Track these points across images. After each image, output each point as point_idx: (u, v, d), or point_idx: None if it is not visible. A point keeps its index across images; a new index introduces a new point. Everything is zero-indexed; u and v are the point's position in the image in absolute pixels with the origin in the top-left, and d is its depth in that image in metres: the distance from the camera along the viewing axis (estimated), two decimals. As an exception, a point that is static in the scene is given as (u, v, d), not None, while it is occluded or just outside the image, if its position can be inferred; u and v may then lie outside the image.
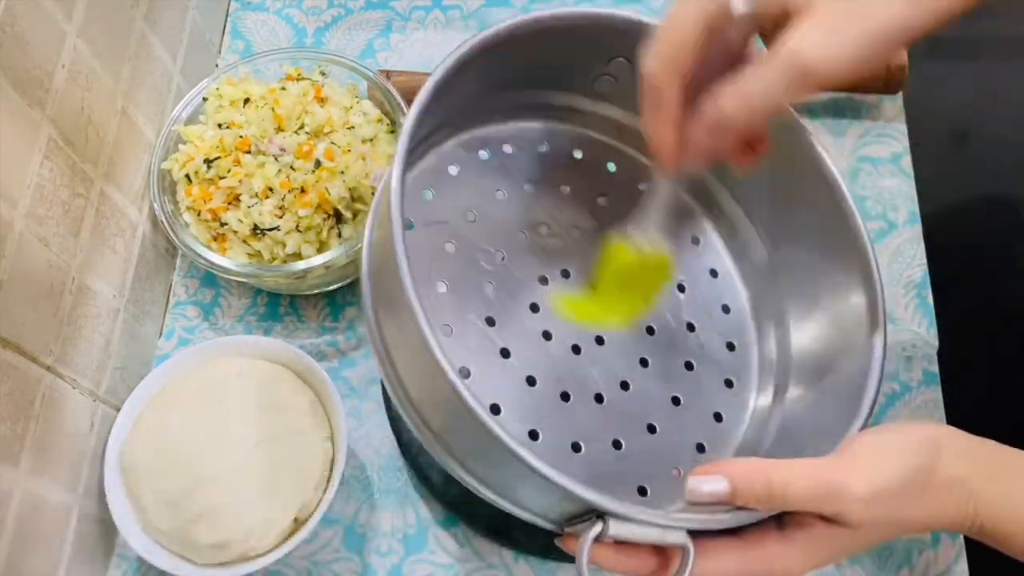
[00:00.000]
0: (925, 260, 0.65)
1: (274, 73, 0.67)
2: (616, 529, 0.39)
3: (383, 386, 0.60)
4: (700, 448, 0.51)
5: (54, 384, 0.53)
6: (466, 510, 0.58)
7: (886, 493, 0.40)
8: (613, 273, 0.49)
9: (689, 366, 0.53)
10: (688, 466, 0.50)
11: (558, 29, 0.49)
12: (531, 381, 0.49)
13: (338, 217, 0.61)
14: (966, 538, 0.58)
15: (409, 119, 0.43)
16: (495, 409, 0.48)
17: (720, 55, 0.42)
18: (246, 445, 0.55)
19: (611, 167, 0.56)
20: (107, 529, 0.58)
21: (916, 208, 0.67)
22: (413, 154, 0.52)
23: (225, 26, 0.77)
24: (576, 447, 0.49)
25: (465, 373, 0.49)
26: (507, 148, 0.55)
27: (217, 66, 0.75)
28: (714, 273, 0.56)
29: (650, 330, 0.53)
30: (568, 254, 0.53)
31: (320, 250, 0.61)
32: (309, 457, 0.56)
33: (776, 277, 0.55)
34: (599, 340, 0.52)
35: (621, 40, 0.50)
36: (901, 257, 0.66)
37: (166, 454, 0.55)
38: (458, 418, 0.39)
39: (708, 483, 0.40)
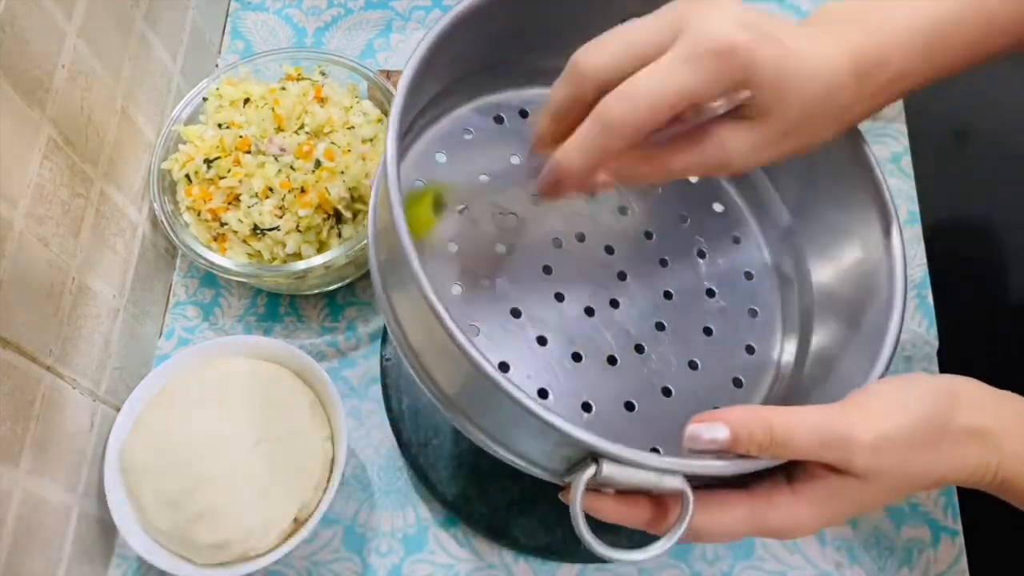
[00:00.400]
0: (925, 260, 0.65)
1: (274, 73, 0.67)
2: (609, 470, 0.38)
3: (383, 385, 0.61)
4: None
5: (54, 384, 0.53)
6: (466, 510, 0.58)
7: (895, 441, 0.39)
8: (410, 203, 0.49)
9: (708, 331, 0.52)
10: None
11: None
12: (542, 341, 0.49)
13: (338, 217, 0.61)
14: (966, 538, 0.58)
15: (407, 71, 0.43)
16: (503, 367, 0.48)
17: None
18: (246, 445, 0.55)
19: None
20: (107, 529, 0.58)
21: (916, 208, 0.67)
22: (423, 118, 0.51)
23: (225, 26, 0.77)
24: (587, 407, 0.48)
25: (474, 331, 0.48)
26: (529, 110, 0.54)
27: (217, 66, 0.75)
28: (736, 240, 0.56)
29: (667, 294, 0.53)
30: (584, 216, 0.53)
31: (320, 250, 0.61)
32: (309, 457, 0.56)
33: (799, 238, 0.54)
34: (614, 303, 0.51)
35: None
36: (901, 257, 0.66)
37: (166, 454, 0.55)
38: (455, 361, 0.39)
39: (708, 430, 0.40)
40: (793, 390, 0.52)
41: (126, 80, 0.61)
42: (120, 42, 0.60)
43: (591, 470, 0.39)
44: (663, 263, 0.54)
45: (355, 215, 0.61)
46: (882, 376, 0.44)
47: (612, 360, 0.50)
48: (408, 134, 0.50)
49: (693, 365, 0.51)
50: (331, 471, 0.57)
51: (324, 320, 0.66)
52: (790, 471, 0.41)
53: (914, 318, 0.64)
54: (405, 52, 0.75)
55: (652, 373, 0.51)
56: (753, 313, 0.54)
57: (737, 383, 0.52)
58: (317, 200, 0.60)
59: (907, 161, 0.69)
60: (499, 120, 0.54)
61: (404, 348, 0.45)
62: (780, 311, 0.55)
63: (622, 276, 0.52)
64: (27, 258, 0.50)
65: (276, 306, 0.67)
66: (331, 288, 0.65)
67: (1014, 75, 0.73)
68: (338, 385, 0.58)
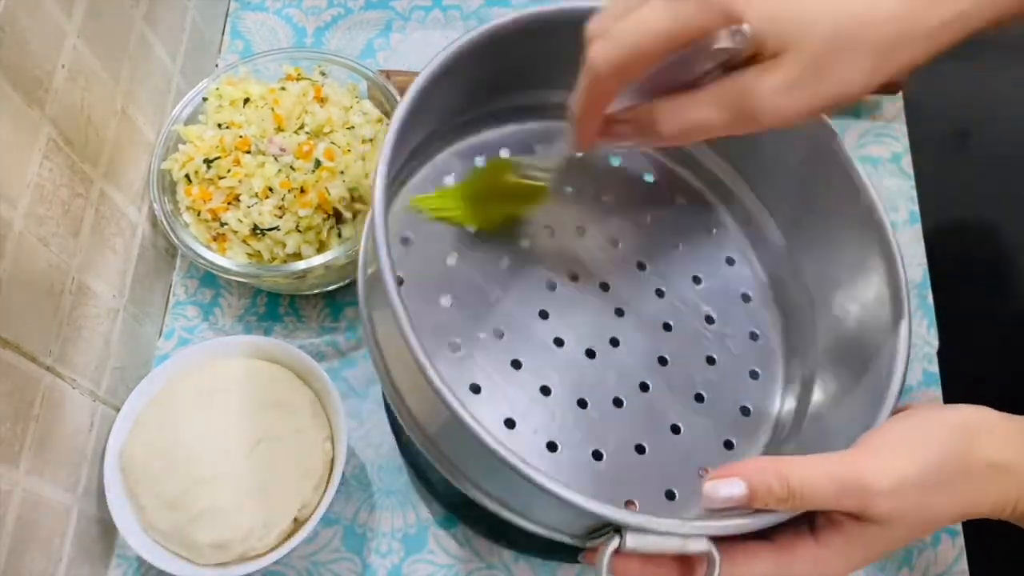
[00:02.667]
0: (925, 260, 0.65)
1: (274, 73, 0.67)
2: (634, 542, 0.38)
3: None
4: (728, 445, 0.50)
5: (54, 384, 0.53)
6: (466, 510, 0.58)
7: (913, 484, 0.39)
8: (484, 184, 0.49)
9: (711, 360, 0.52)
10: (716, 465, 0.48)
11: (540, 27, 0.48)
12: (545, 391, 0.48)
13: (338, 217, 0.61)
14: (966, 537, 0.58)
15: (392, 129, 0.43)
16: (510, 423, 0.47)
17: (676, 62, 0.40)
18: (246, 445, 0.55)
19: (614, 162, 0.56)
20: (107, 529, 0.58)
21: (916, 208, 0.67)
22: (405, 169, 0.51)
23: (225, 26, 0.77)
24: (597, 455, 0.48)
25: (476, 389, 0.48)
26: (504, 152, 0.54)
27: (217, 66, 0.75)
28: (730, 261, 0.55)
29: (667, 326, 0.52)
30: (574, 255, 0.53)
31: (320, 250, 0.61)
32: (309, 457, 0.56)
33: (795, 261, 0.54)
34: (614, 342, 0.51)
35: None
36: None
37: (166, 454, 0.55)
38: (463, 439, 0.39)
39: (724, 487, 0.39)
40: (801, 414, 0.51)
41: (126, 80, 0.61)
42: (120, 42, 0.60)
43: (615, 542, 0.39)
44: (659, 293, 0.53)
45: (355, 215, 0.61)
46: (892, 407, 0.43)
47: (618, 402, 0.49)
48: (391, 186, 0.48)
49: (699, 398, 0.51)
50: (331, 471, 0.57)
51: (324, 320, 0.66)
52: (812, 519, 0.41)
53: (914, 318, 0.64)
54: (405, 52, 0.75)
55: (659, 411, 0.50)
56: (754, 336, 0.53)
57: (744, 411, 0.51)
58: (317, 200, 0.60)
59: (907, 161, 0.69)
60: (480, 161, 0.53)
61: (405, 419, 0.43)
62: (780, 331, 0.54)
63: (619, 312, 0.52)
64: (27, 258, 0.50)
65: (276, 306, 0.67)
66: (331, 288, 0.65)
67: (1014, 75, 0.73)
68: (338, 385, 0.58)
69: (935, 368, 0.62)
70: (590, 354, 0.50)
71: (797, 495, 0.38)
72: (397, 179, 0.51)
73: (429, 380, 0.38)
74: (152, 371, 0.59)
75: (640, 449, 0.49)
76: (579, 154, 0.46)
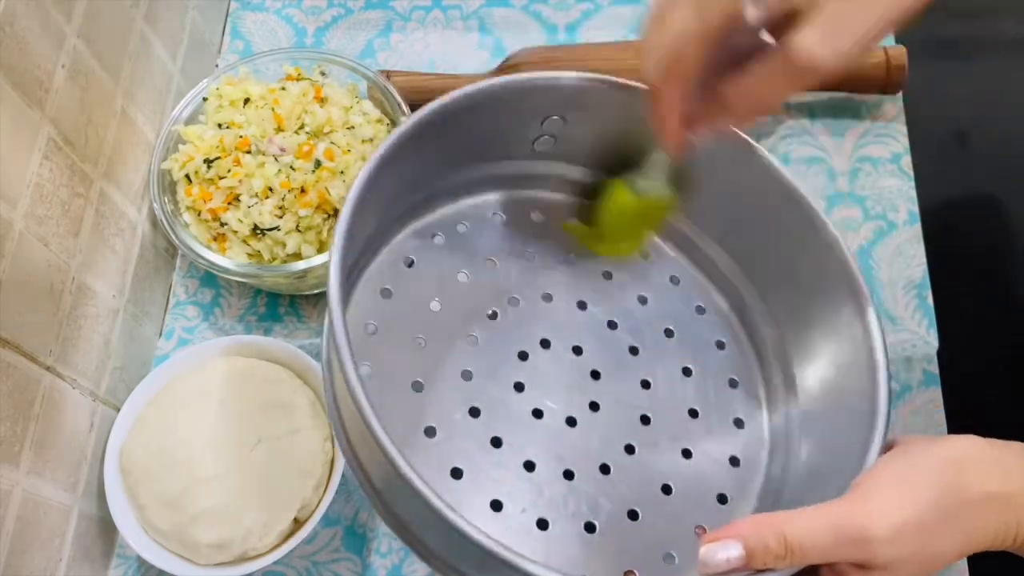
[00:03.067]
0: (925, 260, 0.65)
1: (274, 73, 0.67)
2: None
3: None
4: (722, 499, 0.49)
5: (54, 384, 0.53)
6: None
7: (912, 526, 0.38)
8: (614, 215, 0.50)
9: (694, 413, 0.51)
10: (712, 521, 0.48)
11: (482, 103, 0.48)
12: (529, 466, 0.47)
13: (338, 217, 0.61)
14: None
15: (341, 222, 0.42)
16: (496, 505, 0.46)
17: (728, 47, 0.42)
18: (246, 445, 0.55)
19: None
20: (107, 529, 0.58)
21: (916, 208, 0.67)
22: (363, 258, 0.50)
23: (225, 26, 0.77)
24: (590, 527, 0.47)
25: (457, 474, 0.46)
26: (461, 227, 0.53)
27: (217, 66, 0.75)
28: (700, 310, 0.54)
29: (645, 384, 0.51)
30: (544, 321, 0.51)
31: (320, 250, 0.61)
32: (309, 457, 0.56)
33: (771, 308, 0.53)
34: (593, 406, 0.50)
35: (548, 100, 0.50)
36: (901, 257, 0.66)
37: (166, 454, 0.55)
38: (453, 540, 0.38)
39: (721, 550, 0.39)
40: (791, 460, 0.50)
41: (126, 80, 0.61)
42: (120, 42, 0.60)
43: None
44: (633, 351, 0.52)
45: (355, 215, 0.61)
46: (880, 446, 0.43)
47: (605, 468, 0.48)
48: (348, 277, 0.48)
49: (687, 453, 0.50)
50: (331, 471, 0.57)
51: (324, 320, 0.66)
52: (816, 572, 0.40)
53: (914, 318, 0.64)
54: (405, 52, 0.75)
55: (648, 472, 0.49)
56: (733, 383, 0.52)
57: (734, 462, 0.50)
58: (317, 200, 0.60)
59: (907, 161, 0.69)
60: (439, 239, 0.52)
61: (385, 515, 0.43)
62: (761, 377, 0.53)
63: (595, 375, 0.51)
64: (27, 258, 0.50)
65: (276, 306, 0.67)
66: (331, 288, 0.65)
67: (1014, 75, 0.73)
68: (338, 385, 0.58)
69: (935, 368, 0.62)
70: (571, 422, 0.49)
71: (796, 551, 0.38)
72: (355, 269, 0.50)
73: (407, 479, 0.37)
74: (152, 371, 0.60)
75: (633, 515, 0.48)
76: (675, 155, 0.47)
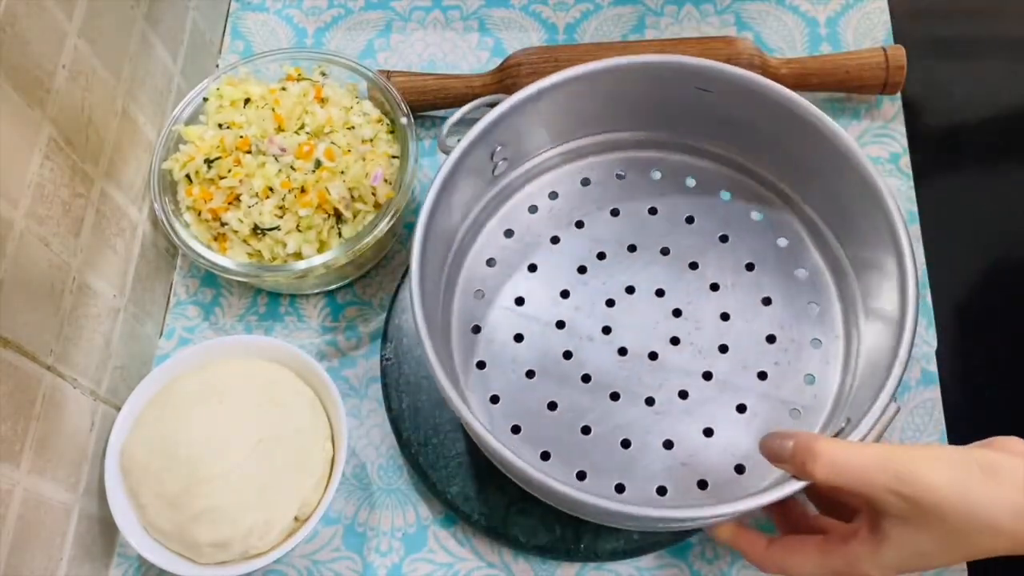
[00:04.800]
0: (925, 260, 0.65)
1: (274, 73, 0.67)
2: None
3: (383, 385, 0.61)
4: (794, 414, 0.54)
5: (55, 384, 0.53)
6: (466, 509, 0.58)
7: (951, 459, 0.40)
8: None
9: (771, 339, 0.56)
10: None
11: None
12: (615, 396, 0.55)
13: (338, 217, 0.61)
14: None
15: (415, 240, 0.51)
16: (586, 430, 0.55)
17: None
18: (246, 445, 0.55)
19: (690, 182, 0.61)
20: (107, 529, 0.58)
21: (915, 208, 0.67)
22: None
23: (225, 26, 0.77)
24: (668, 444, 0.54)
25: (552, 406, 0.55)
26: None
27: (217, 66, 0.75)
28: (781, 242, 0.59)
29: (724, 316, 0.57)
30: (629, 269, 0.58)
31: (320, 250, 0.61)
32: (309, 457, 0.56)
33: (837, 234, 0.58)
34: (674, 341, 0.56)
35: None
36: (900, 257, 0.66)
37: (166, 453, 0.55)
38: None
39: (779, 438, 0.44)
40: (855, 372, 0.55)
41: (127, 80, 0.61)
42: (120, 42, 0.60)
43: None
44: (714, 287, 0.58)
45: (355, 215, 0.61)
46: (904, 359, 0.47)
47: (683, 394, 0.55)
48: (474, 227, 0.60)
49: (763, 375, 0.55)
50: (331, 470, 0.57)
51: (324, 320, 0.66)
52: (871, 521, 0.43)
53: (913, 318, 0.64)
54: (405, 52, 0.75)
55: (724, 396, 0.55)
56: (812, 307, 0.57)
57: (809, 379, 0.55)
58: (317, 200, 0.60)
59: (907, 161, 0.69)
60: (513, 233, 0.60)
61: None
62: (836, 295, 0.57)
63: (677, 313, 0.57)
64: (27, 258, 0.50)
65: (276, 306, 0.67)
66: (331, 288, 0.65)
67: (1014, 75, 0.73)
68: (338, 384, 0.58)
69: (934, 368, 0.62)
70: (652, 356, 0.56)
71: (838, 462, 0.41)
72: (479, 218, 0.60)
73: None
74: (153, 371, 0.60)
75: (708, 432, 0.54)
76: None
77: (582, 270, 0.58)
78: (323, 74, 0.67)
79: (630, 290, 0.58)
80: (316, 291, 0.65)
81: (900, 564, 0.43)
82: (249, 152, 0.62)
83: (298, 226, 0.60)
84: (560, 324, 0.57)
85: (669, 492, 0.53)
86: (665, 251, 0.59)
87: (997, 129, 0.72)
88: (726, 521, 0.49)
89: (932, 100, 0.72)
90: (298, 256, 0.61)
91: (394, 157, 0.63)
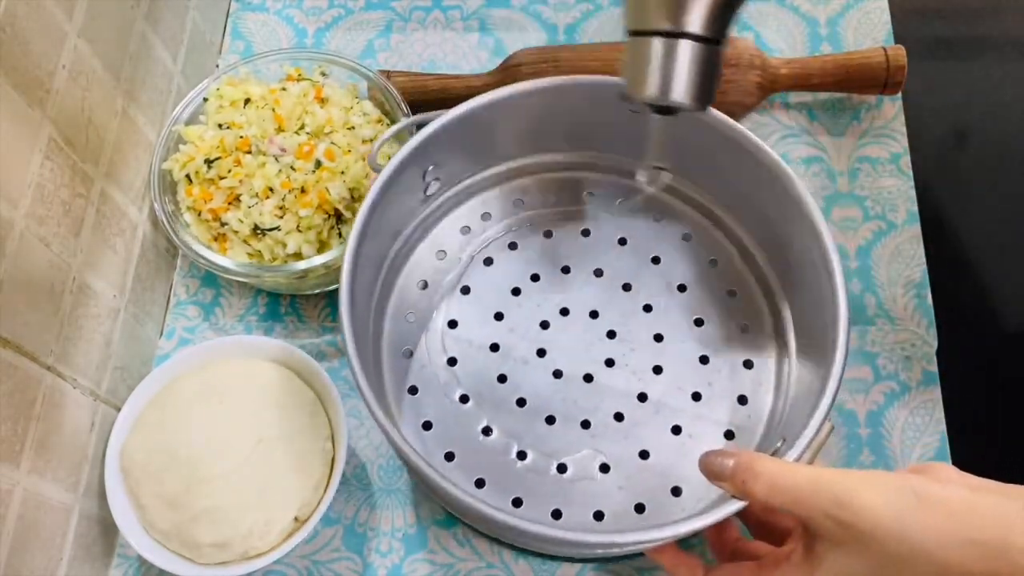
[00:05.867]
0: (924, 260, 0.65)
1: (274, 73, 0.67)
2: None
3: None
4: (728, 435, 0.55)
5: (55, 384, 0.53)
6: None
7: (895, 510, 0.39)
8: None
9: (704, 360, 0.57)
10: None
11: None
12: (551, 420, 0.55)
13: (339, 217, 0.61)
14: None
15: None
16: (521, 455, 0.55)
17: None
18: (246, 445, 0.55)
19: (622, 203, 0.62)
20: (107, 529, 0.58)
21: (915, 208, 0.67)
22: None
23: (225, 26, 0.77)
24: (604, 468, 0.54)
25: (487, 432, 0.55)
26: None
27: (218, 66, 0.75)
28: (713, 263, 0.60)
29: (658, 337, 0.58)
30: (563, 292, 0.59)
31: (321, 250, 0.61)
32: (309, 457, 0.56)
33: (768, 255, 0.59)
34: (608, 363, 0.57)
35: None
36: (901, 257, 0.66)
37: (166, 454, 0.55)
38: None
39: (718, 456, 0.44)
40: (788, 392, 0.55)
41: (127, 80, 0.61)
42: (120, 42, 0.60)
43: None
44: (647, 309, 0.58)
45: (355, 215, 0.61)
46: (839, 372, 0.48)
47: (619, 416, 0.55)
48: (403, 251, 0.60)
49: (696, 396, 0.56)
50: (331, 471, 0.57)
51: (324, 320, 0.66)
52: (807, 544, 0.43)
53: (913, 318, 0.64)
54: (405, 52, 0.75)
55: (659, 418, 0.55)
56: (744, 328, 0.58)
57: (742, 401, 0.55)
58: (317, 200, 0.60)
59: (907, 161, 0.69)
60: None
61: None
62: (768, 316, 0.58)
63: (611, 335, 0.57)
64: (27, 258, 0.50)
65: (277, 306, 0.67)
66: (332, 288, 0.65)
67: (1014, 75, 0.73)
68: (338, 385, 0.58)
69: (934, 368, 0.62)
70: (587, 378, 0.56)
71: (772, 483, 0.41)
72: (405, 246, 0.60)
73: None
74: (153, 371, 0.60)
75: (644, 455, 0.54)
76: None
77: (516, 292, 0.58)
78: (323, 74, 0.67)
79: (564, 312, 0.58)
80: (316, 291, 0.65)
81: None
82: (249, 152, 0.62)
83: (298, 226, 0.60)
84: (494, 347, 0.57)
85: (606, 517, 0.53)
86: (599, 272, 0.59)
87: (997, 129, 0.72)
88: (665, 544, 0.48)
89: (932, 100, 0.72)
90: (298, 256, 0.61)
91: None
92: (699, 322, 0.58)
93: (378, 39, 0.75)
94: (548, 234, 0.60)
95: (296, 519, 0.55)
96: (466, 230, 0.60)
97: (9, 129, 0.48)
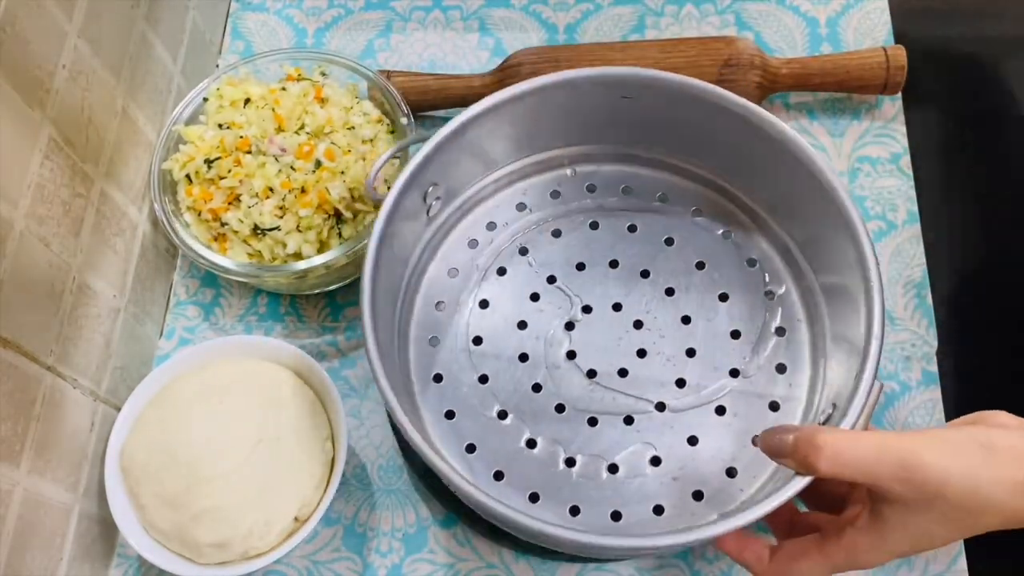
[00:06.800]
0: (925, 260, 0.65)
1: (274, 73, 0.67)
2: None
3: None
4: (773, 407, 0.54)
5: (55, 384, 0.53)
6: (466, 510, 0.58)
7: (948, 439, 0.40)
8: None
9: (735, 335, 0.56)
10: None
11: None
12: (592, 421, 0.54)
13: (338, 217, 0.61)
14: (965, 539, 0.58)
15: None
16: (570, 462, 0.54)
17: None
18: (246, 445, 0.55)
19: (625, 191, 0.61)
20: (107, 529, 0.58)
21: (915, 208, 0.67)
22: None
23: (225, 26, 0.77)
24: (655, 461, 0.53)
25: (532, 444, 0.54)
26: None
27: (217, 66, 0.75)
28: (727, 235, 0.59)
29: (686, 319, 0.57)
30: (582, 289, 0.58)
31: (320, 250, 0.61)
32: (309, 457, 0.56)
33: (783, 222, 0.58)
34: (640, 353, 0.56)
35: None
36: (901, 257, 0.66)
37: (166, 454, 0.55)
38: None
39: (779, 432, 0.44)
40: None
41: (126, 80, 0.61)
42: (120, 42, 0.60)
43: None
44: (669, 292, 0.57)
45: (355, 215, 0.61)
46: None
47: (661, 407, 0.54)
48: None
49: (734, 373, 0.55)
50: (331, 471, 0.57)
51: (324, 320, 0.66)
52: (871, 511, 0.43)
53: (913, 318, 0.64)
54: (405, 52, 0.75)
55: (701, 401, 0.55)
56: (769, 295, 0.57)
57: (780, 369, 0.55)
58: (317, 200, 0.60)
59: (907, 161, 0.69)
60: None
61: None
62: (791, 280, 0.57)
63: (638, 324, 0.56)
64: (27, 258, 0.50)
65: (276, 306, 0.67)
66: (331, 288, 0.65)
67: (1014, 75, 0.73)
68: (338, 385, 0.58)
69: (934, 368, 0.62)
70: (622, 373, 0.55)
71: (836, 452, 0.41)
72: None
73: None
74: (153, 371, 0.60)
75: (693, 441, 0.54)
76: None
77: (535, 297, 0.57)
78: (323, 74, 0.67)
79: (587, 309, 0.57)
80: (316, 291, 0.65)
81: (903, 548, 0.43)
82: (249, 152, 0.62)
83: (298, 226, 0.60)
84: (523, 357, 0.56)
85: (666, 510, 0.52)
86: (614, 264, 0.58)
87: (997, 129, 0.72)
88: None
89: (932, 100, 0.72)
90: (298, 256, 0.61)
91: (394, 157, 0.63)
92: (723, 297, 0.57)
93: (378, 39, 0.75)
94: (556, 233, 0.59)
95: (296, 519, 0.55)
96: (474, 243, 0.59)
97: (9, 129, 0.48)
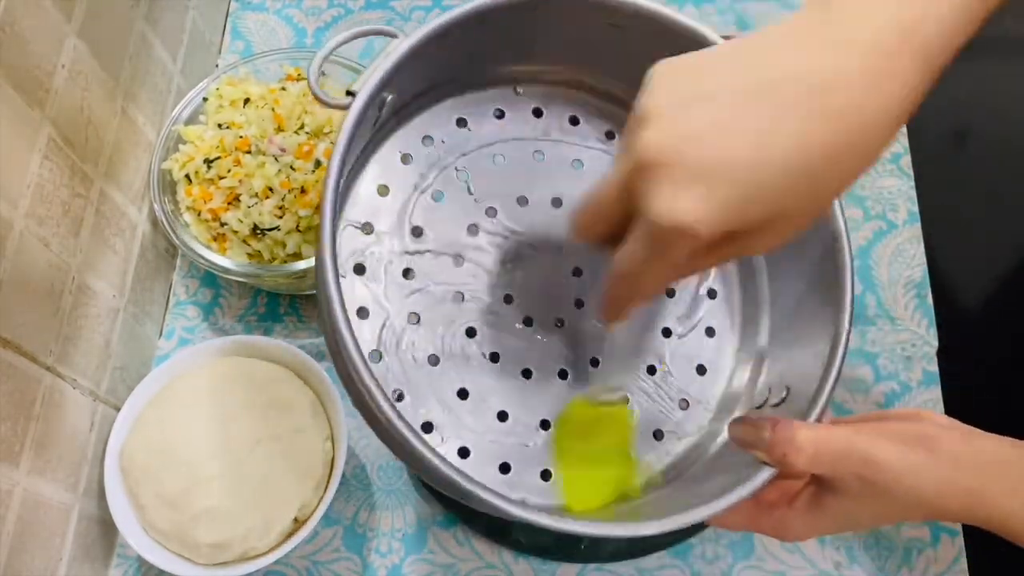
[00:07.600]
0: (925, 260, 0.65)
1: (274, 73, 0.67)
2: None
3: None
4: (700, 370, 0.52)
5: (54, 384, 0.53)
6: (466, 510, 0.58)
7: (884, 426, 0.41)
8: (564, 427, 0.49)
9: (671, 293, 0.53)
10: (695, 392, 0.51)
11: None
12: (527, 373, 0.50)
13: (338, 217, 0.61)
14: (965, 539, 0.58)
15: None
16: (502, 416, 0.49)
17: None
18: (246, 445, 0.55)
19: (574, 121, 0.54)
20: (107, 529, 0.58)
21: (916, 208, 0.67)
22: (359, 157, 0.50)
23: (225, 26, 0.77)
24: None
25: (463, 394, 0.49)
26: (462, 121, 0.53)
27: (217, 66, 0.75)
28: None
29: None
30: (523, 228, 0.52)
31: (320, 250, 0.61)
32: (309, 457, 0.56)
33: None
34: (578, 303, 0.51)
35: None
36: (901, 257, 0.66)
37: (166, 454, 0.55)
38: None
39: (755, 428, 0.43)
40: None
41: (126, 80, 0.61)
42: (120, 42, 0.60)
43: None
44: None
45: (355, 215, 0.61)
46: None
47: (595, 362, 0.51)
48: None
49: (667, 332, 0.52)
50: (331, 471, 0.57)
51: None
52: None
53: (913, 318, 0.64)
54: (405, 52, 0.75)
55: (635, 356, 0.52)
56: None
57: (710, 333, 0.52)
58: (317, 200, 0.60)
59: (907, 161, 0.69)
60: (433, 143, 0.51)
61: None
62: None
63: (577, 272, 0.51)
64: (27, 258, 0.50)
65: (276, 306, 0.67)
66: (331, 288, 0.65)
67: (1015, 75, 0.73)
68: (338, 385, 0.58)
69: (935, 368, 0.62)
70: (559, 323, 0.51)
71: (816, 446, 0.41)
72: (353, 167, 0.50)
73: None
74: (152, 371, 0.60)
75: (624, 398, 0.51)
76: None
77: (472, 230, 0.51)
78: (323, 74, 0.67)
79: (529, 248, 0.51)
80: (316, 291, 0.65)
81: (830, 530, 0.44)
82: (249, 152, 0.62)
83: (298, 226, 0.60)
84: (459, 296, 0.50)
85: None
86: (557, 202, 0.52)
87: (997, 129, 0.72)
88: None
89: (932, 100, 0.72)
90: (297, 256, 0.61)
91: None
92: None
93: (378, 39, 0.75)
94: (498, 159, 0.52)
95: (296, 519, 0.55)
96: (407, 158, 0.51)
97: (9, 129, 0.48)
